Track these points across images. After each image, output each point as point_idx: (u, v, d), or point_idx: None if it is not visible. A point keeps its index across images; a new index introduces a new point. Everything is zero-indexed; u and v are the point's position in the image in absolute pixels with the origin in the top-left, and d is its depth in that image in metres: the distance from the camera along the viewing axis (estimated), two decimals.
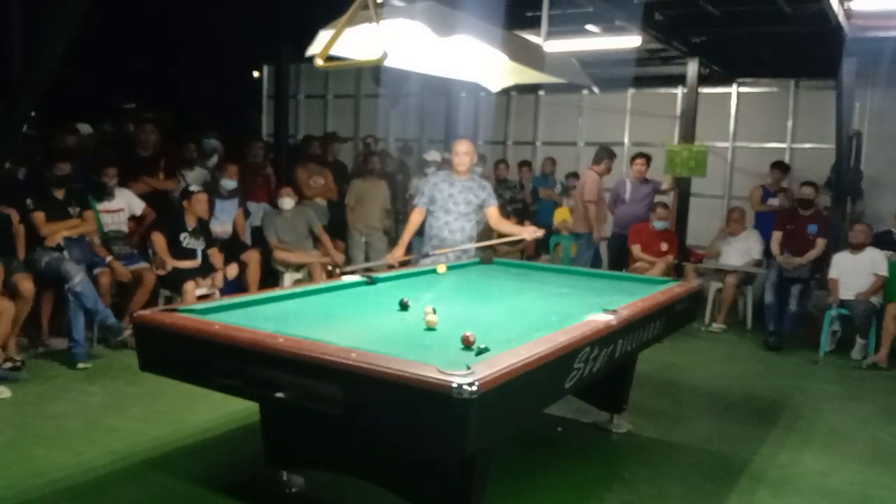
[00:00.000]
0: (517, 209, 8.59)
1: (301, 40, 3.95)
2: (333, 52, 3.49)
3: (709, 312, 7.43)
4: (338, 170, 8.44)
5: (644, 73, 9.11)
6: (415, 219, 5.27)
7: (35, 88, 4.71)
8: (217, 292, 5.97)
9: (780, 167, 8.04)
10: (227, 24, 9.07)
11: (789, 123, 8.87)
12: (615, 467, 3.89)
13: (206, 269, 6.15)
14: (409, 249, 5.45)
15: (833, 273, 6.55)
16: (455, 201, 5.14)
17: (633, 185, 7.76)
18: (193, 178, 7.12)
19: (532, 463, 3.79)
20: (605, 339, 3.07)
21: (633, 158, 7.84)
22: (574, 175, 9.25)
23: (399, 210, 8.34)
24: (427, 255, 5.14)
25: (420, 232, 5.35)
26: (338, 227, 7.63)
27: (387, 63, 3.49)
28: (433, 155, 8.93)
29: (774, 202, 7.80)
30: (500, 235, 5.73)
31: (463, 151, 5.16)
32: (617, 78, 8.72)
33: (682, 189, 8.26)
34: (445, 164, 7.35)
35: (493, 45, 3.89)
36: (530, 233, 5.31)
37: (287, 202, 6.99)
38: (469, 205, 5.18)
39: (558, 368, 2.74)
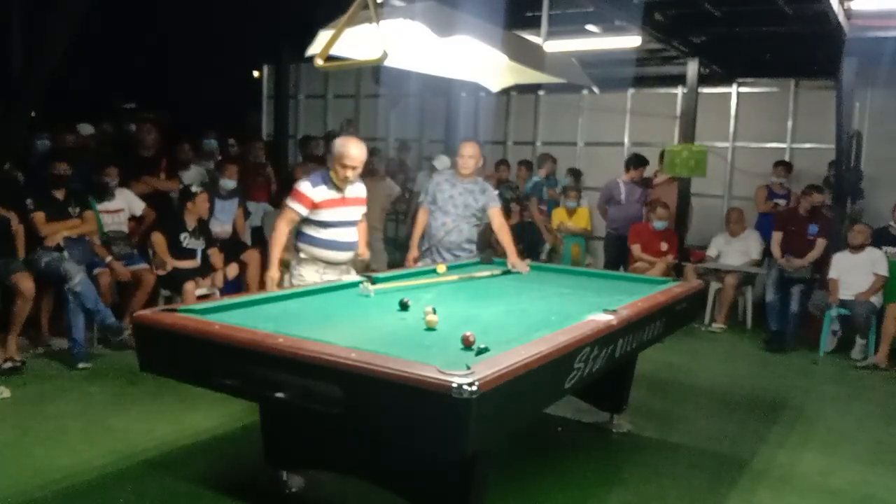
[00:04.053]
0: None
1: (301, 40, 3.95)
2: (333, 52, 3.49)
3: (709, 312, 7.42)
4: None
5: (644, 73, 9.09)
6: (421, 218, 5.25)
7: (35, 88, 4.72)
8: (217, 292, 5.97)
9: (784, 165, 8.07)
10: (227, 24, 9.07)
11: (789, 123, 8.85)
12: (615, 467, 3.89)
13: (206, 269, 6.15)
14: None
15: (833, 273, 6.55)
16: (454, 203, 5.11)
17: (627, 187, 7.86)
18: (190, 177, 7.11)
19: (532, 463, 3.79)
20: (605, 339, 3.07)
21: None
22: (574, 171, 9.29)
23: (398, 210, 8.24)
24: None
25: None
26: None
27: (387, 63, 3.50)
28: (443, 161, 8.13)
29: (782, 202, 7.82)
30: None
31: (468, 154, 5.09)
32: (617, 78, 8.71)
33: (682, 189, 8.25)
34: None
35: (493, 45, 3.89)
36: (522, 267, 4.88)
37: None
38: (468, 208, 5.12)
39: (558, 368, 2.74)
